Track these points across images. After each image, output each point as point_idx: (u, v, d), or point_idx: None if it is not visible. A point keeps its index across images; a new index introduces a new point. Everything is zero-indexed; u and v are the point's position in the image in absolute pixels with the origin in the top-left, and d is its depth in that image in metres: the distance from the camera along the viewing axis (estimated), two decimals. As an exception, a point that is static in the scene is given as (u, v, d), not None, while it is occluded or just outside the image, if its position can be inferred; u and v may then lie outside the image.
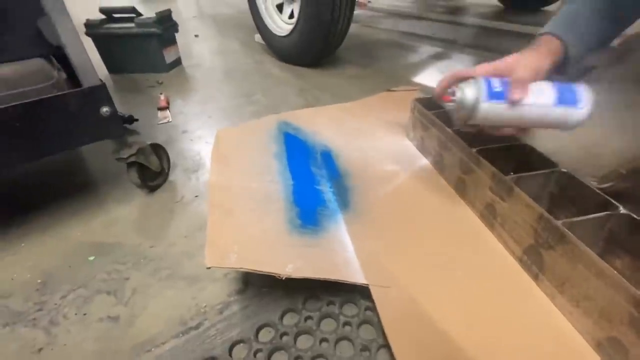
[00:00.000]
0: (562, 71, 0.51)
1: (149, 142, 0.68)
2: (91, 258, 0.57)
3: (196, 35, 2.02)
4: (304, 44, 1.32)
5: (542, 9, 2.40)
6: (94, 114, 0.55)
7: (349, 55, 1.59)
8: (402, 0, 3.13)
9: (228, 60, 1.59)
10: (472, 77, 0.49)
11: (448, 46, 1.74)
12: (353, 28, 1.33)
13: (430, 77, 1.36)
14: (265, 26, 1.52)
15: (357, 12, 2.58)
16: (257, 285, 0.49)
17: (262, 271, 0.40)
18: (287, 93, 1.19)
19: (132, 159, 0.63)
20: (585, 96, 0.46)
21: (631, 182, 0.58)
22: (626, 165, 0.56)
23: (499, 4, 2.62)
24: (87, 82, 0.54)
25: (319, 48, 1.30)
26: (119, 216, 0.65)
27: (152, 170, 0.69)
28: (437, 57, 1.60)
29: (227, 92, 1.23)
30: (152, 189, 0.71)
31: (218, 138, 0.64)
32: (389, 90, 1.10)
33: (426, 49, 1.71)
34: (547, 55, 0.48)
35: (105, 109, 0.56)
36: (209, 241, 0.42)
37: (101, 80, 0.55)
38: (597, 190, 0.47)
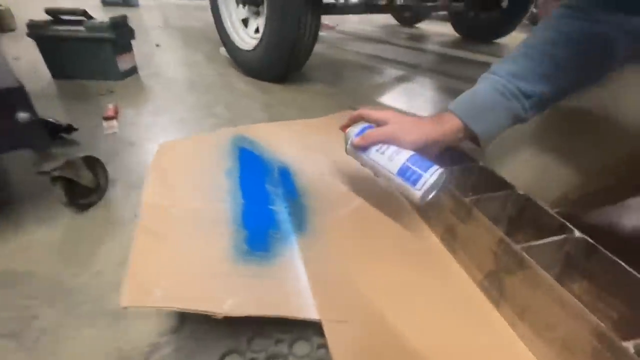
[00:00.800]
0: (479, 145, 0.52)
1: (81, 155, 0.60)
2: (-7, 292, 0.47)
3: (157, 45, 1.93)
4: (269, 58, 1.30)
5: (494, 41, 2.60)
6: (7, 120, 0.47)
7: (316, 73, 1.59)
8: (368, 25, 3.26)
9: (190, 72, 1.52)
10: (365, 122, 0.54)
11: (411, 70, 1.81)
12: (320, 48, 1.34)
13: (394, 98, 1.39)
14: (230, 40, 1.48)
15: (324, 34, 2.63)
16: (195, 322, 0.43)
17: (192, 310, 0.34)
18: (251, 107, 1.15)
19: (57, 173, 0.55)
20: (427, 182, 0.46)
21: (579, 208, 0.59)
22: (575, 191, 0.57)
23: (456, 34, 2.81)
24: (1, 83, 0.46)
25: (284, 63, 1.29)
26: (38, 239, 0.56)
27: (84, 186, 0.60)
28: (401, 79, 1.65)
29: (186, 104, 1.16)
30: (84, 208, 0.62)
31: (161, 151, 0.57)
32: (352, 109, 1.09)
33: (391, 72, 1.76)
34: (444, 130, 0.50)
35: (22, 115, 0.48)
36: (129, 274, 0.35)
37: (19, 82, 0.47)
38: (553, 214, 0.47)
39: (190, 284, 0.37)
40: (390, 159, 0.49)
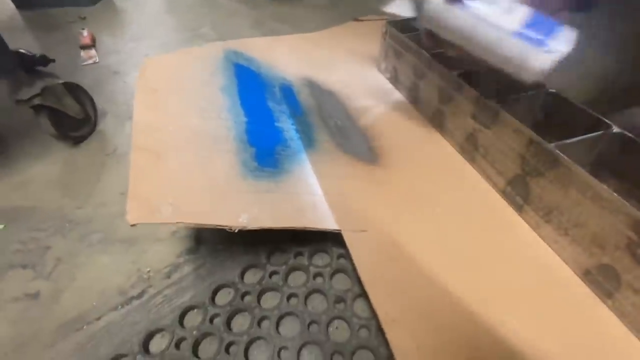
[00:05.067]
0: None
1: (60, 81, 0.54)
2: (0, 227, 0.46)
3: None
4: (256, -34, 1.12)
5: None
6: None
7: (310, -17, 1.39)
8: None
9: (168, -9, 1.34)
10: None
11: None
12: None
13: (401, 7, 1.23)
14: (208, -54, 1.27)
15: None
16: (212, 242, 0.42)
17: (206, 224, 0.32)
18: (240, 25, 1.02)
19: (37, 101, 0.49)
20: (560, 40, 0.34)
21: (607, 108, 0.54)
22: (611, 87, 0.51)
23: None
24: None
25: (273, -29, 1.11)
26: (36, 175, 0.53)
27: (72, 117, 0.56)
28: (407, -15, 1.45)
29: (168, 27, 1.04)
30: (77, 141, 0.58)
31: (145, 67, 0.50)
32: (356, 20, 0.97)
33: (395, -22, 1.54)
34: None
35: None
36: (131, 193, 0.33)
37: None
38: (588, 110, 0.42)
39: (199, 200, 0.35)
40: (508, 11, 0.36)
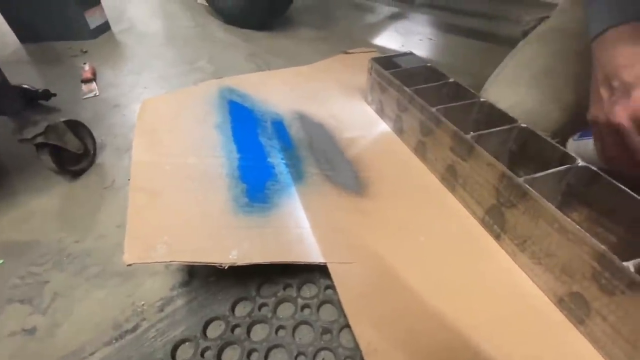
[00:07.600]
0: None
1: (62, 119, 0.57)
2: (-1, 262, 0.47)
3: (127, -4, 1.76)
4: (250, 1, 1.19)
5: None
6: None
7: (302, 16, 1.47)
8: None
9: (166, 24, 1.41)
10: None
11: (405, 6, 1.67)
12: (305, -14, 1.22)
13: (389, 38, 1.30)
14: (206, -17, 1.35)
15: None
16: (204, 275, 0.44)
17: (198, 262, 0.34)
18: (235, 58, 1.08)
19: (40, 139, 0.52)
20: None
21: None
22: (574, 117, 0.55)
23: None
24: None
25: (267, 6, 1.18)
26: (35, 209, 0.55)
27: (72, 152, 0.58)
28: (395, 17, 1.54)
29: (166, 60, 1.09)
30: (76, 174, 0.60)
31: (144, 108, 0.54)
32: (345, 53, 1.02)
33: (383, 10, 1.63)
34: None
35: (-12, 78, 0.44)
36: (129, 233, 0.35)
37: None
38: (556, 145, 0.46)
39: (192, 238, 0.37)
40: None
